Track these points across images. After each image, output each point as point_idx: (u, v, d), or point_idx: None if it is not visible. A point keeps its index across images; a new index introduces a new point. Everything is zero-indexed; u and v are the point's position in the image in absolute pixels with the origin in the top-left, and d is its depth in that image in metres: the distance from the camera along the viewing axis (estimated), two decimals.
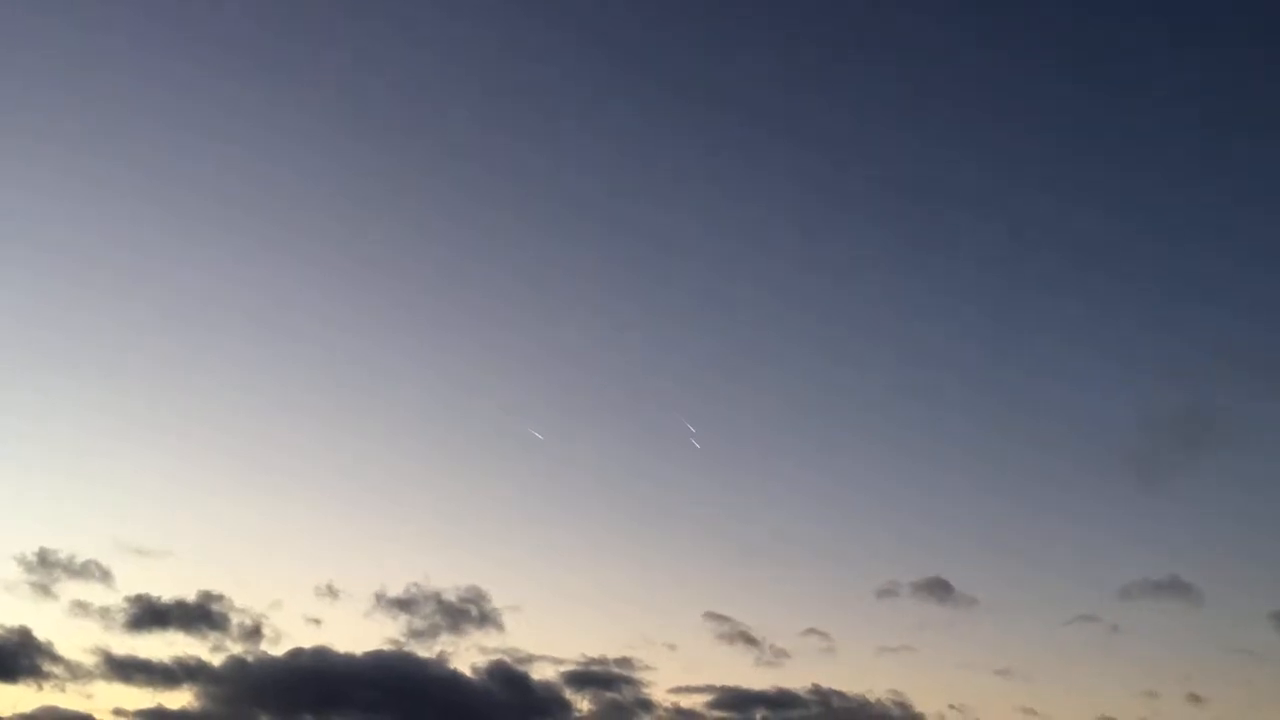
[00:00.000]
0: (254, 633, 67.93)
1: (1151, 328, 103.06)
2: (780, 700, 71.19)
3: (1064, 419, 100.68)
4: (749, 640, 74.85)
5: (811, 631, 75.80)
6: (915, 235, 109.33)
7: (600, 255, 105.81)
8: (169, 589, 70.90)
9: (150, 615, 65.77)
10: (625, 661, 71.54)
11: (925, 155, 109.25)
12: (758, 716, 70.89)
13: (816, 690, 71.64)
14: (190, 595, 67.64)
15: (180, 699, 65.21)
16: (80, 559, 66.85)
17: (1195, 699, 73.41)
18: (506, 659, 70.27)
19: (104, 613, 65.40)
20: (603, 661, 71.71)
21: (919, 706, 72.60)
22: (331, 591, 71.36)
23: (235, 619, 67.90)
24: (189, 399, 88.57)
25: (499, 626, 71.80)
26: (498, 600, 72.57)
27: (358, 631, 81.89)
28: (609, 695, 70.73)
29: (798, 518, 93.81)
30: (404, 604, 71.33)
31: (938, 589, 79.39)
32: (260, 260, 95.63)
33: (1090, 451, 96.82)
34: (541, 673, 70.76)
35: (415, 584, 72.29)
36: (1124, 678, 79.13)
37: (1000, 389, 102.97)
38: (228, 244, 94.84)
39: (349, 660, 68.45)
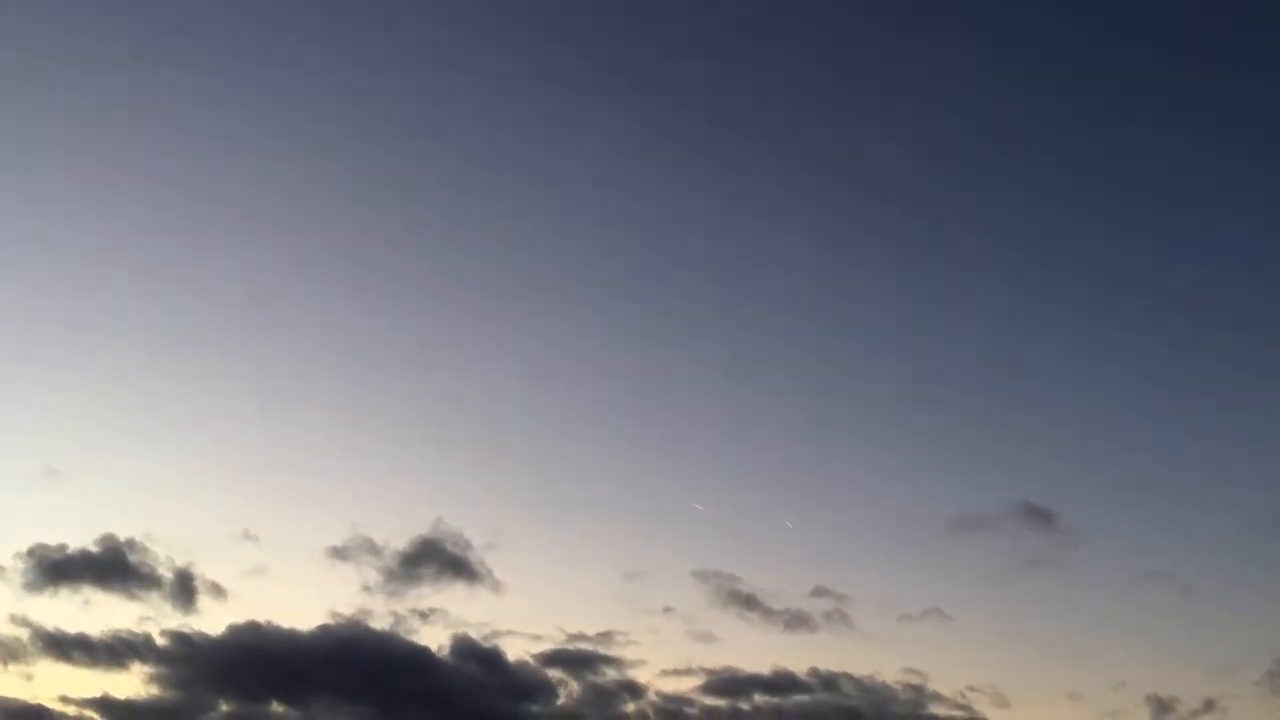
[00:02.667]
0: (185, 591, 61.58)
1: None
2: (779, 683, 64.90)
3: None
4: (748, 603, 67.90)
5: (823, 592, 68.24)
6: None
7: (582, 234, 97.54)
8: (64, 535, 63.68)
9: (55, 571, 58.59)
10: (607, 637, 65.61)
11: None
12: (753, 702, 64.85)
13: (815, 673, 65.25)
14: (90, 543, 60.52)
15: (128, 682, 60.96)
16: None
17: None
18: (472, 634, 64.81)
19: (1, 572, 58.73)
20: (583, 637, 65.90)
21: (939, 687, 65.40)
22: (251, 536, 65.27)
23: (161, 571, 61.20)
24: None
25: (464, 583, 65.93)
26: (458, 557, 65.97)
27: (305, 588, 70.34)
28: (591, 679, 65.19)
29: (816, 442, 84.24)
30: (345, 553, 65.28)
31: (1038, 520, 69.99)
32: (177, 207, 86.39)
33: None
34: (513, 648, 65.33)
35: (355, 524, 66.91)
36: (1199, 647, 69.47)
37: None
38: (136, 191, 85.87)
39: (309, 636, 63.71)
